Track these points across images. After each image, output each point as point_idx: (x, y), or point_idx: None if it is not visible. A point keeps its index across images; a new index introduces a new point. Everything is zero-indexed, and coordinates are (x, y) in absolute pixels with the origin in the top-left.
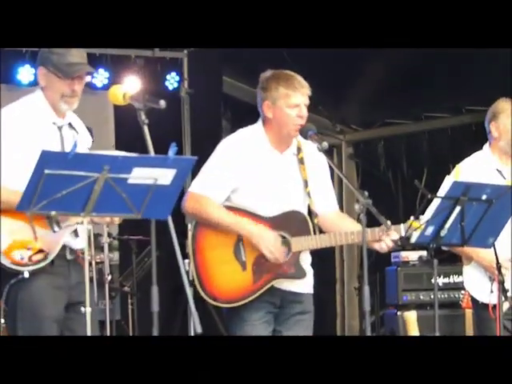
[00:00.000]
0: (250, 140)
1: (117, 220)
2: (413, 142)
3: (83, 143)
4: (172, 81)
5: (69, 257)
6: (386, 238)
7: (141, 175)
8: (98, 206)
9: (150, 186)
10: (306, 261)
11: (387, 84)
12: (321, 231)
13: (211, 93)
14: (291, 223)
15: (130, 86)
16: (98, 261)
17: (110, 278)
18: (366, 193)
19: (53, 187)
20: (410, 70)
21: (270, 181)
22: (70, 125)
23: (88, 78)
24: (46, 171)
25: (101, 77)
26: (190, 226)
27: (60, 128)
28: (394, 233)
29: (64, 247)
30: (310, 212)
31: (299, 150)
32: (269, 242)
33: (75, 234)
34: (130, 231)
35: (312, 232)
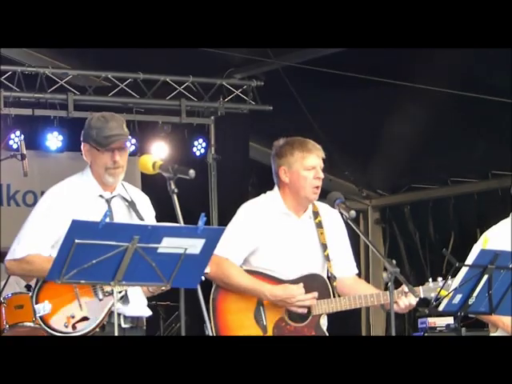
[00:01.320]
0: (267, 205)
1: (155, 289)
2: (439, 206)
3: (145, 214)
4: (199, 147)
5: (123, 324)
6: (403, 298)
7: (170, 245)
8: (127, 275)
9: (180, 256)
10: (324, 324)
11: (413, 149)
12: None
13: (238, 158)
14: (311, 286)
15: (158, 152)
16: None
17: None
18: (394, 261)
19: (83, 256)
20: (435, 135)
21: (288, 244)
22: (121, 196)
23: (131, 148)
24: (77, 240)
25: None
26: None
27: (108, 201)
28: (412, 296)
29: (118, 315)
30: (328, 275)
31: (316, 214)
32: (293, 292)
33: (124, 300)
34: (157, 297)
35: (332, 295)
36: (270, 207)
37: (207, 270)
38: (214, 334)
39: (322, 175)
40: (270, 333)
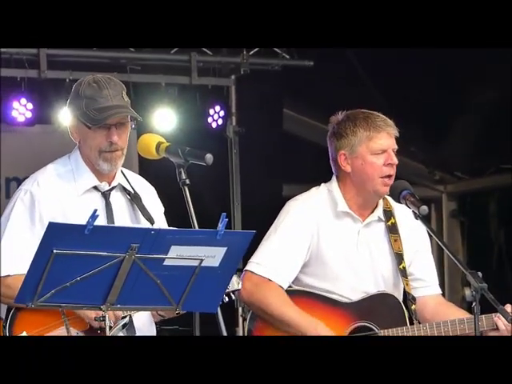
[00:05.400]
0: (322, 203)
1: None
2: None
3: (152, 211)
4: (216, 116)
5: None
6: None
7: (181, 255)
8: (123, 296)
9: (194, 270)
10: None
11: (503, 118)
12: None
13: (268, 131)
14: (380, 310)
15: (161, 123)
16: None
17: None
18: (480, 274)
19: (63, 271)
20: None
21: (350, 255)
22: (122, 188)
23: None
24: (55, 250)
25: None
26: (241, 312)
27: (106, 195)
28: None
29: None
30: (405, 296)
31: (389, 214)
32: None
33: (129, 329)
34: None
35: (408, 322)
36: (325, 206)
37: (234, 286)
38: None
39: (395, 160)
40: None
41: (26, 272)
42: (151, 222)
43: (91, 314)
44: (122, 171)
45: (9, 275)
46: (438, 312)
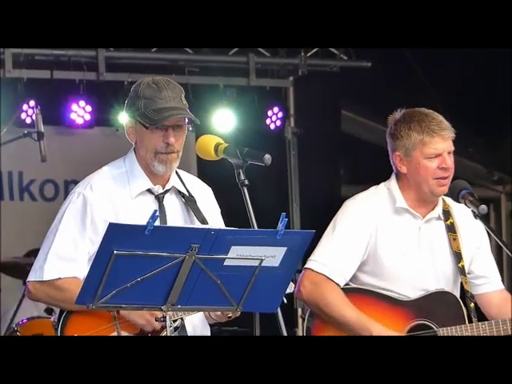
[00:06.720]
0: (381, 201)
1: (220, 315)
2: None
3: (208, 213)
4: (274, 118)
5: None
6: None
7: (241, 255)
8: (184, 297)
9: (254, 270)
10: None
11: None
12: (482, 319)
13: (326, 132)
14: (438, 308)
15: (219, 125)
16: None
17: None
18: None
19: (124, 272)
20: None
21: (409, 254)
22: (176, 191)
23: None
24: (116, 251)
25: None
26: (301, 313)
27: (159, 198)
28: None
29: None
30: (463, 294)
31: (447, 213)
32: None
33: (181, 332)
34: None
35: (467, 320)
36: (384, 204)
37: (291, 288)
38: None
39: (449, 164)
40: None
41: (75, 275)
42: (205, 224)
43: (142, 319)
44: (177, 173)
45: (59, 278)
46: (501, 309)
